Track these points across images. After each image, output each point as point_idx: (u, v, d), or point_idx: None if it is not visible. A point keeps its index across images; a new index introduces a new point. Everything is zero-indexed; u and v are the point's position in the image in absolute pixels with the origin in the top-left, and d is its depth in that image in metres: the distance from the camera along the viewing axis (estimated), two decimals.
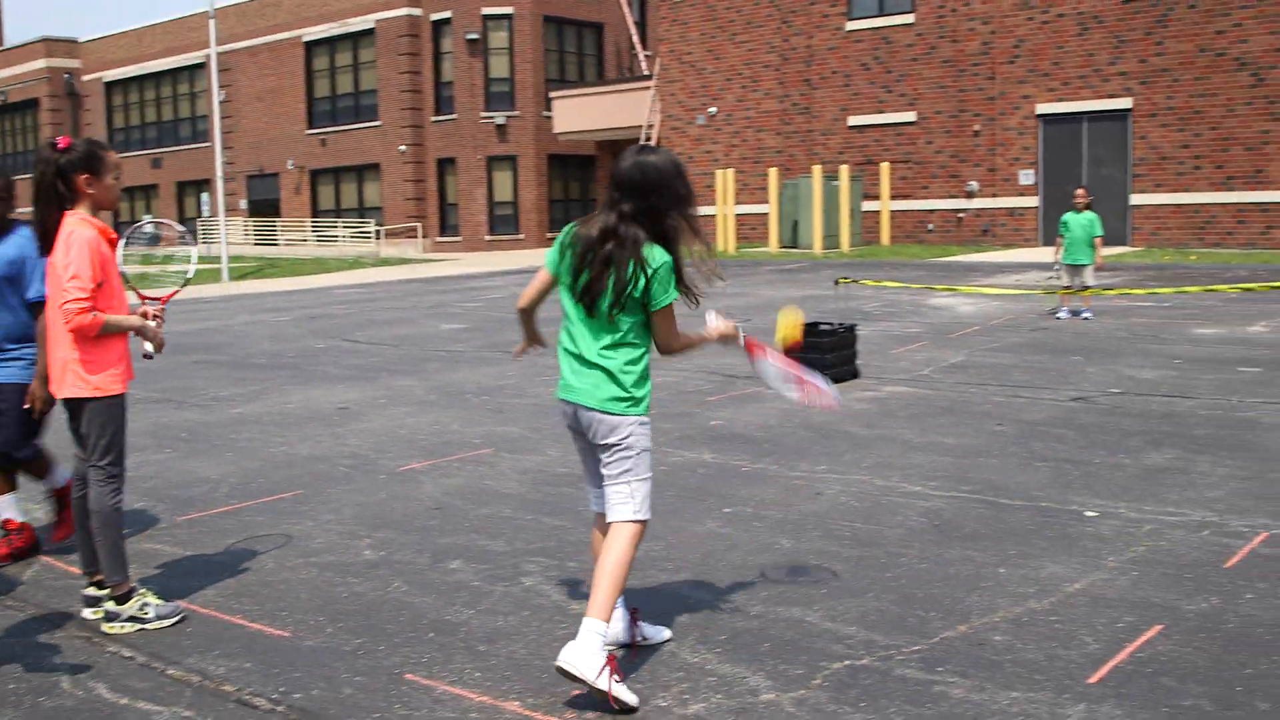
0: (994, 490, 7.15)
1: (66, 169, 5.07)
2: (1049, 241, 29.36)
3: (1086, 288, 15.46)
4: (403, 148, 44.21)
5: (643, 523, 4.49)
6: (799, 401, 5.26)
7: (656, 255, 4.39)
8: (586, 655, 4.18)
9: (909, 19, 31.55)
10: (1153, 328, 14.52)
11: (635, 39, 44.37)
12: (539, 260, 33.69)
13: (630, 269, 4.34)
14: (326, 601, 5.51)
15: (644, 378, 4.52)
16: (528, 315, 4.86)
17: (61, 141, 5.13)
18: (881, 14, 32.14)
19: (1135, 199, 28.22)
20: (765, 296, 20.00)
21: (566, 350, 4.55)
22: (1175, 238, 27.90)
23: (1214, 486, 7.08)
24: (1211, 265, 23.15)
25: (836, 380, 11.21)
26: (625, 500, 4.48)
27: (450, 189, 44.12)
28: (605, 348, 4.46)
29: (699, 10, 35.53)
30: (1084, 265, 15.48)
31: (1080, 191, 15.82)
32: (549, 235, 42.83)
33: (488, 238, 42.83)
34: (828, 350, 11.22)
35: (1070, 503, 6.81)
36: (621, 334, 4.45)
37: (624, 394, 4.46)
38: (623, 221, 4.40)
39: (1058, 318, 15.61)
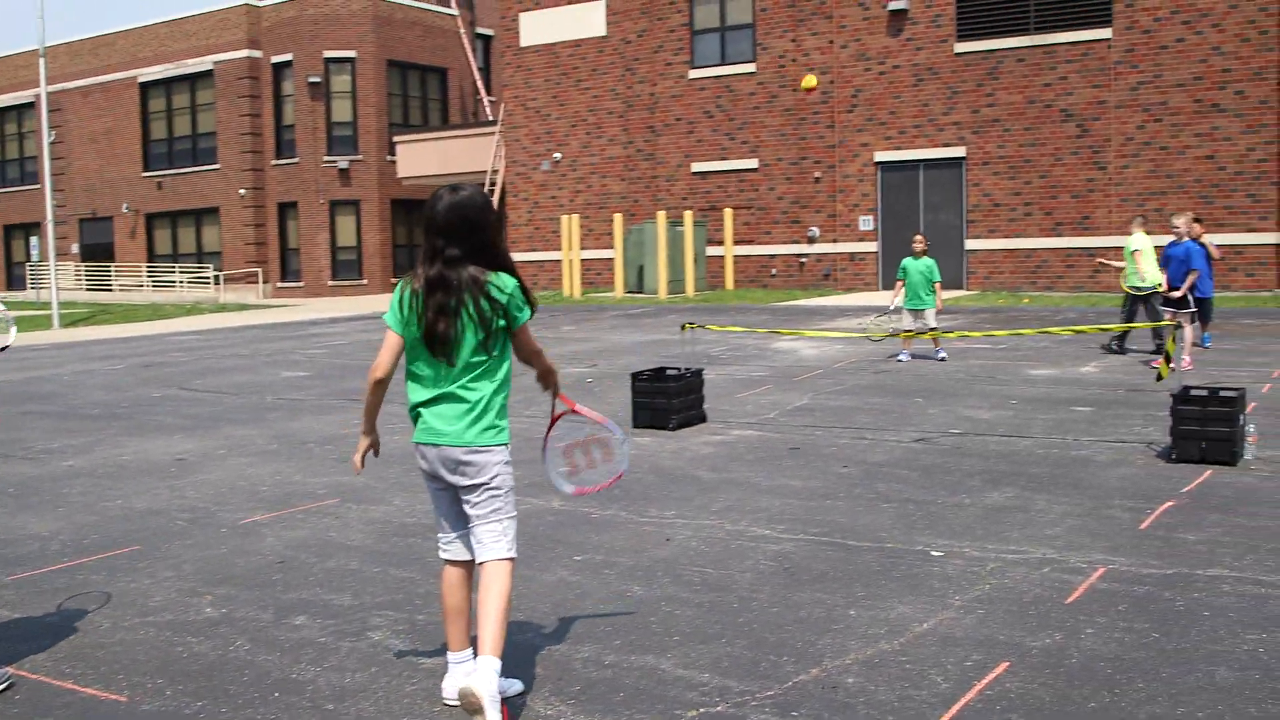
0: (841, 532, 7.22)
1: None
2: (889, 285, 30.05)
3: (932, 329, 15.77)
4: (243, 191, 43.42)
5: (514, 560, 4.56)
6: (572, 493, 5.27)
7: (505, 280, 4.49)
8: (489, 686, 4.24)
9: (750, 68, 32.09)
10: (989, 369, 14.90)
11: (479, 84, 44.37)
12: (383, 305, 33.16)
13: (484, 307, 4.41)
14: (165, 662, 5.30)
15: (505, 408, 4.58)
16: (383, 388, 4.63)
17: None
18: (724, 63, 32.64)
19: (970, 244, 29.04)
20: (611, 341, 20.03)
21: (422, 399, 4.54)
22: (1009, 281, 28.76)
23: (1052, 524, 7.25)
24: (1043, 308, 23.90)
25: (683, 425, 11.25)
26: (499, 538, 4.53)
27: (292, 234, 43.43)
28: (470, 380, 4.49)
29: (543, 57, 35.68)
30: (925, 310, 15.89)
31: (918, 238, 16.21)
32: (393, 280, 42.40)
33: (330, 283, 42.24)
34: (675, 395, 11.25)
35: (916, 543, 6.91)
36: (484, 364, 4.50)
37: (491, 424, 4.51)
38: (455, 267, 4.43)
39: (899, 360, 15.84)
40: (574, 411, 5.00)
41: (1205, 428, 8.86)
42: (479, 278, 4.42)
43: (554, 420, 5.09)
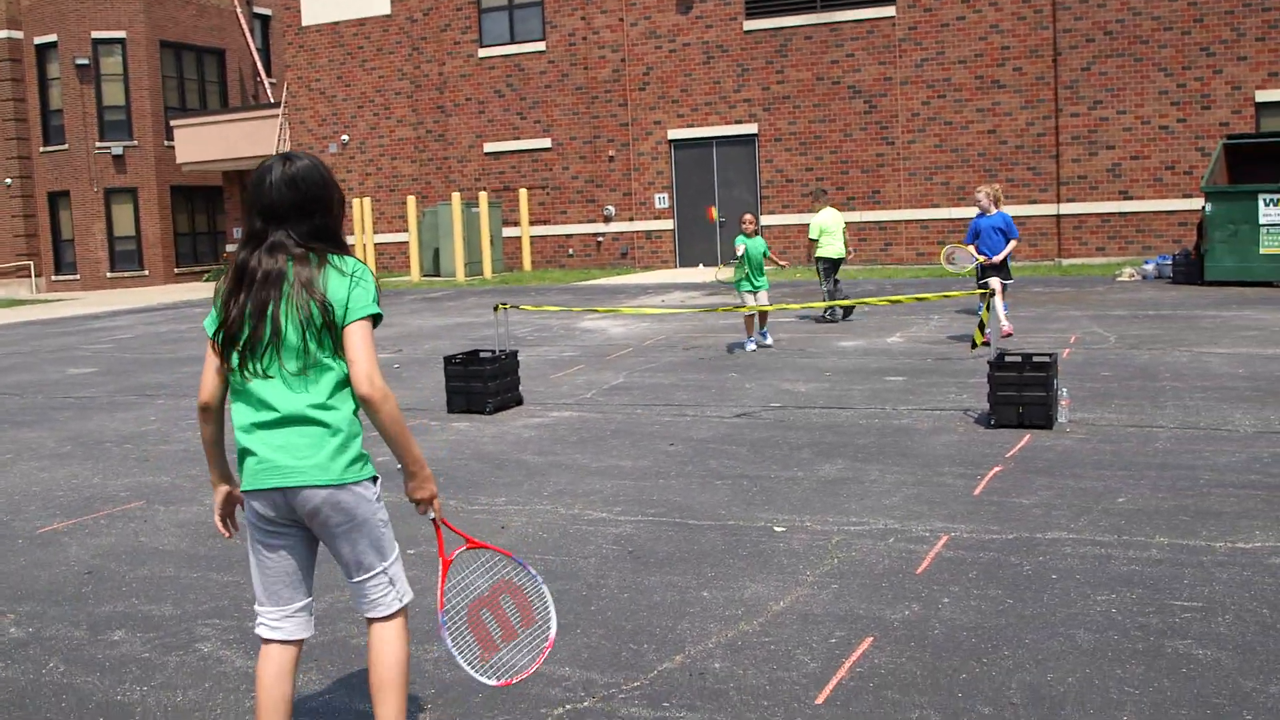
0: (680, 511, 7.08)
1: None
2: (686, 263, 30.16)
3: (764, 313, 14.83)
4: (9, 180, 41.18)
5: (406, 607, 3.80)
6: (498, 685, 4.02)
7: (349, 262, 3.64)
8: None
9: (540, 46, 31.79)
10: (798, 342, 15.00)
11: (259, 65, 42.98)
12: (166, 296, 31.82)
13: (321, 296, 3.52)
14: None
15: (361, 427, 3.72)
16: (212, 414, 3.71)
17: None
18: (514, 41, 32.25)
19: (765, 220, 29.35)
20: (413, 326, 19.58)
21: (254, 424, 3.57)
22: (803, 255, 29.18)
23: (888, 494, 7.25)
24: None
25: (500, 408, 11.00)
26: (386, 590, 3.70)
27: (65, 224, 41.37)
28: (319, 397, 3.56)
29: (326, 37, 34.72)
30: (761, 290, 14.69)
31: (748, 217, 15.10)
32: (176, 271, 40.83)
33: (109, 275, 40.40)
34: (490, 378, 10.98)
35: (756, 519, 6.81)
36: (332, 375, 3.58)
37: (356, 453, 3.59)
38: (279, 254, 3.58)
39: (747, 349, 14.44)
40: (468, 545, 3.98)
41: (1022, 393, 9.02)
42: (313, 266, 3.56)
43: (445, 568, 3.91)
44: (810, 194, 18.42)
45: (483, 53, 32.55)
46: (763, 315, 14.92)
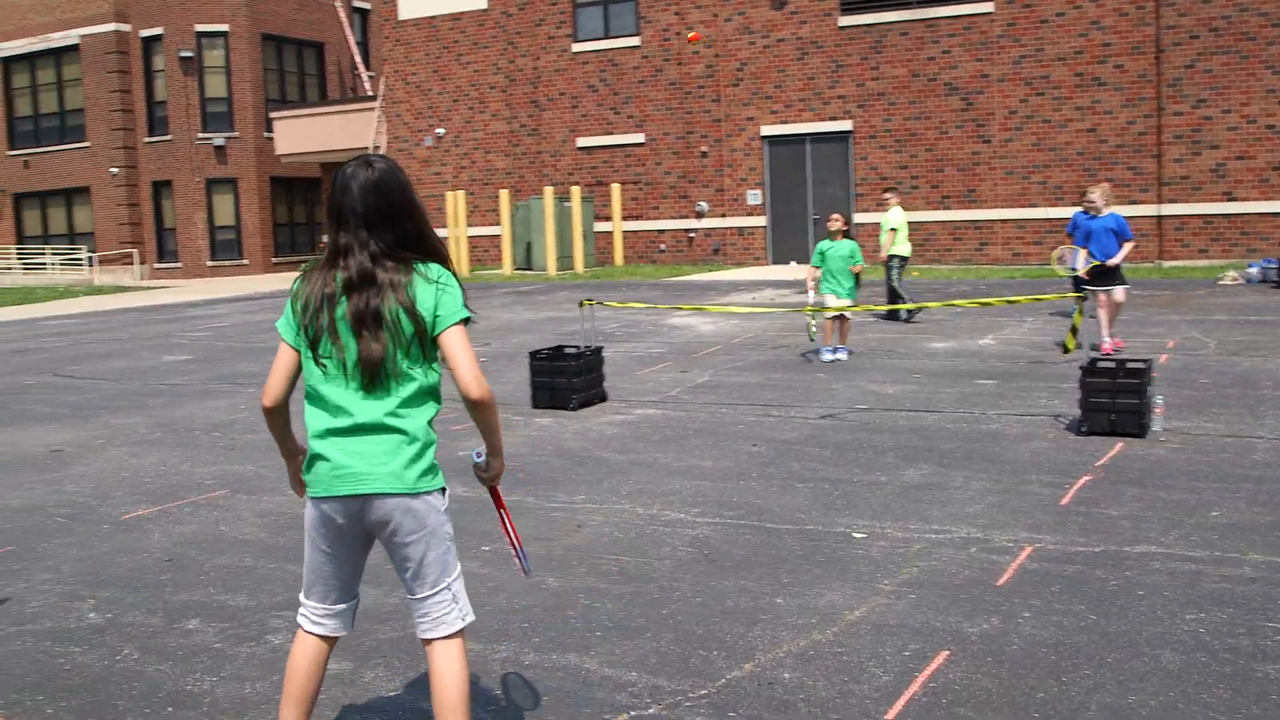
0: (759, 514, 6.99)
1: None
2: (779, 260, 29.97)
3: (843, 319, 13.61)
4: (114, 170, 42.03)
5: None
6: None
7: (434, 268, 3.57)
8: None
9: (635, 41, 31.76)
10: (888, 343, 14.80)
11: (357, 59, 43.41)
12: (265, 286, 32.35)
13: (410, 306, 3.48)
14: (46, 676, 4.88)
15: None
16: (280, 415, 3.71)
17: None
18: (608, 36, 32.26)
19: (858, 218, 29.04)
20: (503, 319, 19.65)
21: (329, 429, 3.54)
22: (882, 250, 28.83)
23: (972, 501, 7.09)
24: (933, 281, 23.98)
25: (584, 405, 10.96)
26: (449, 608, 3.62)
27: (168, 213, 42.15)
28: (398, 406, 3.52)
29: (423, 31, 34.97)
30: (845, 299, 13.41)
31: (835, 217, 13.68)
32: (274, 260, 41.42)
33: (209, 263, 41.10)
34: (574, 374, 10.95)
35: (836, 524, 6.69)
36: (415, 385, 3.54)
37: (430, 462, 3.55)
38: (372, 263, 3.52)
39: (823, 359, 13.47)
40: (500, 512, 4.00)
41: (1115, 400, 8.79)
42: (396, 281, 3.50)
43: (508, 514, 4.02)
44: (891, 190, 18.20)
45: (577, 47, 32.59)
46: (844, 327, 13.61)
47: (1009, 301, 10.48)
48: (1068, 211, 21.65)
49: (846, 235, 13.63)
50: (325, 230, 3.69)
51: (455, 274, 3.63)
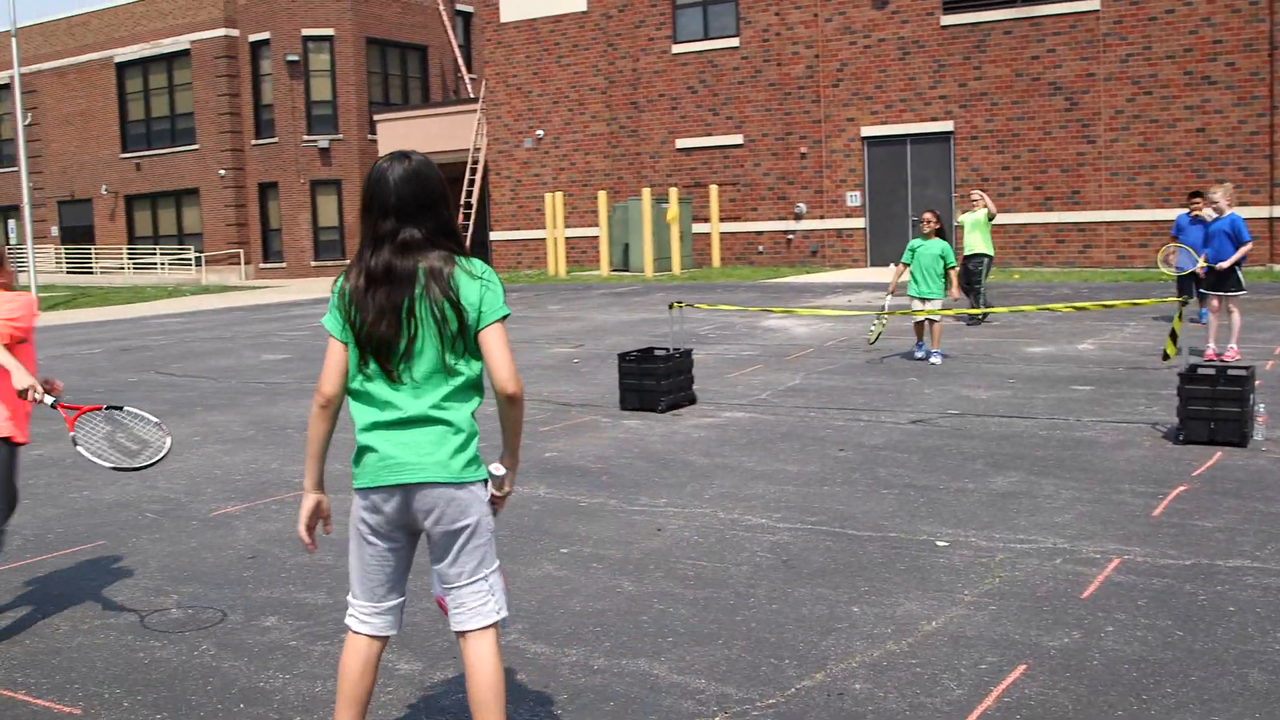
0: (841, 520, 6.89)
1: None
2: (878, 262, 29.67)
3: (932, 323, 13.47)
4: (222, 172, 42.86)
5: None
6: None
7: (477, 264, 3.60)
8: None
9: (734, 42, 31.66)
10: (984, 347, 14.57)
11: (460, 61, 43.83)
12: None
13: (454, 298, 3.50)
14: (125, 670, 4.96)
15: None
16: (330, 414, 3.66)
17: None
18: (707, 37, 32.19)
19: (958, 219, 28.68)
20: (597, 321, 19.68)
21: (376, 423, 3.56)
22: (998, 257, 28.40)
23: (1061, 510, 6.94)
24: (1035, 284, 23.59)
25: (673, 407, 10.91)
26: (485, 599, 3.63)
27: (273, 214, 42.89)
28: (444, 399, 3.55)
29: (524, 33, 35.18)
30: (933, 300, 13.42)
31: (928, 215, 13.74)
32: None
33: (313, 263, 41.74)
34: (663, 376, 10.91)
35: (919, 532, 6.58)
36: (461, 379, 3.57)
37: (473, 453, 3.58)
38: (410, 253, 3.54)
39: (915, 358, 13.61)
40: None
41: (1214, 408, 8.55)
42: (439, 270, 3.52)
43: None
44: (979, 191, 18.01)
45: (676, 49, 32.57)
46: (934, 330, 13.41)
47: (1105, 306, 10.24)
48: (1175, 213, 21.15)
49: (940, 234, 13.62)
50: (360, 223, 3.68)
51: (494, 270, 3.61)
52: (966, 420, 9.93)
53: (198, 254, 43.65)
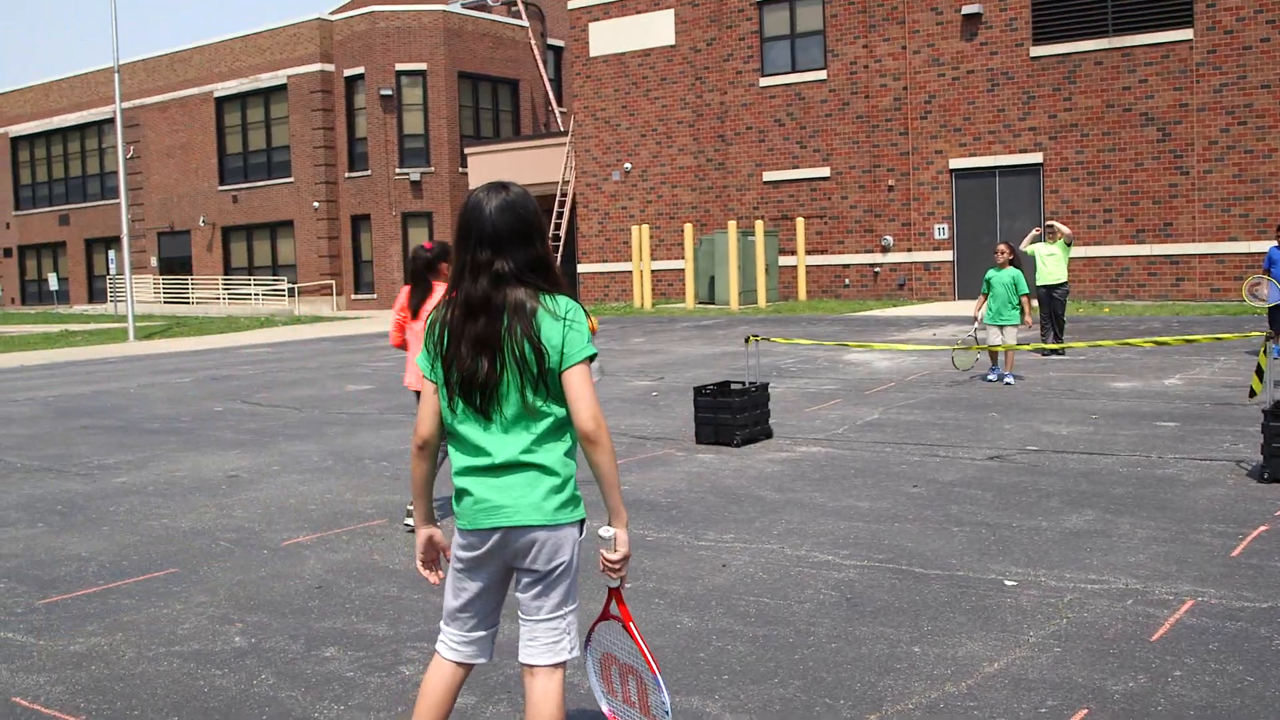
0: (908, 558, 6.80)
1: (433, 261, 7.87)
2: (965, 295, 29.37)
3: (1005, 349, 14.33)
4: (316, 204, 43.57)
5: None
6: (606, 712, 3.95)
7: (562, 302, 3.52)
8: None
9: (821, 75, 31.61)
10: (1068, 381, 14.35)
11: (550, 95, 44.22)
12: None
13: (535, 338, 3.45)
14: (185, 698, 5.01)
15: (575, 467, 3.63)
16: (429, 455, 3.70)
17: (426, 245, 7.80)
18: (795, 70, 32.18)
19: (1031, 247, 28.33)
20: (679, 353, 19.67)
21: (470, 468, 3.55)
22: (1089, 290, 28.03)
23: (1136, 550, 6.78)
24: (1124, 317, 23.21)
25: (748, 441, 10.86)
26: (560, 636, 3.61)
27: (365, 246, 43.51)
28: (533, 442, 3.50)
29: (613, 67, 35.41)
30: (1010, 325, 14.37)
31: (1001, 247, 14.74)
32: None
33: None
34: (739, 410, 10.86)
35: (988, 571, 6.47)
36: (549, 421, 3.52)
37: (569, 494, 3.55)
38: (501, 285, 3.49)
39: (988, 380, 14.53)
40: (625, 626, 3.80)
41: None
42: (522, 303, 3.47)
43: (606, 609, 3.87)
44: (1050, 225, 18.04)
45: (764, 82, 32.59)
46: (1008, 356, 14.37)
47: (1186, 340, 10.04)
48: (1266, 245, 20.70)
49: (1012, 264, 14.47)
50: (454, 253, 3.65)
51: (583, 307, 3.58)
52: (1045, 457, 9.76)
53: (291, 285, 44.36)
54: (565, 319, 3.48)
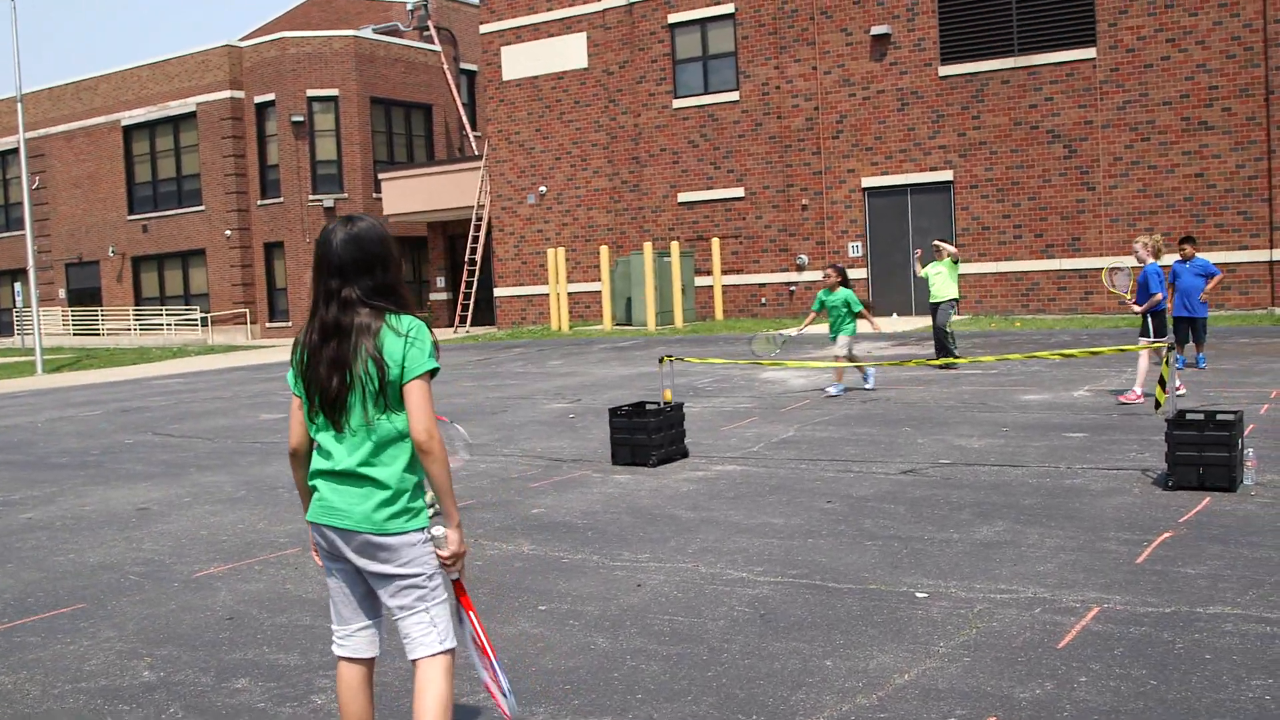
0: (822, 573, 6.85)
1: None
2: (881, 312, 29.67)
3: (852, 358, 15.58)
4: (229, 232, 43.10)
5: (451, 651, 3.93)
6: (483, 683, 4.17)
7: (405, 321, 3.82)
8: None
9: (734, 96, 31.85)
10: (980, 395, 14.55)
11: (464, 119, 44.14)
12: None
13: (376, 356, 3.75)
14: None
15: (422, 483, 3.92)
16: (301, 460, 4.02)
17: None
18: (707, 92, 32.40)
19: (961, 268, 28.72)
20: (597, 375, 19.69)
21: (319, 470, 3.88)
22: (1000, 305, 28.46)
23: (1044, 560, 6.89)
24: (1035, 330, 23.57)
25: (664, 461, 10.89)
26: (428, 629, 3.89)
27: (279, 273, 43.10)
28: (372, 454, 3.80)
29: (526, 90, 35.43)
30: (844, 335, 15.64)
31: (829, 272, 15.80)
32: None
33: None
34: (654, 430, 10.89)
35: (900, 584, 6.54)
36: (390, 432, 3.81)
37: (402, 506, 3.82)
38: (349, 310, 3.81)
39: (828, 393, 15.30)
40: (465, 614, 4.07)
41: (1202, 453, 8.51)
42: (368, 326, 3.78)
43: (477, 616, 4.11)
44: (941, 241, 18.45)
45: (677, 103, 32.78)
46: (838, 367, 15.36)
47: (1092, 353, 10.22)
48: (1174, 259, 21.11)
49: (843, 285, 15.65)
50: (312, 284, 3.95)
51: (428, 325, 3.90)
52: (957, 470, 9.89)
53: (204, 314, 43.83)
54: (407, 336, 3.80)
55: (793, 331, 16.72)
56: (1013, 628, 5.68)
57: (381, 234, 3.92)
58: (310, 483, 3.93)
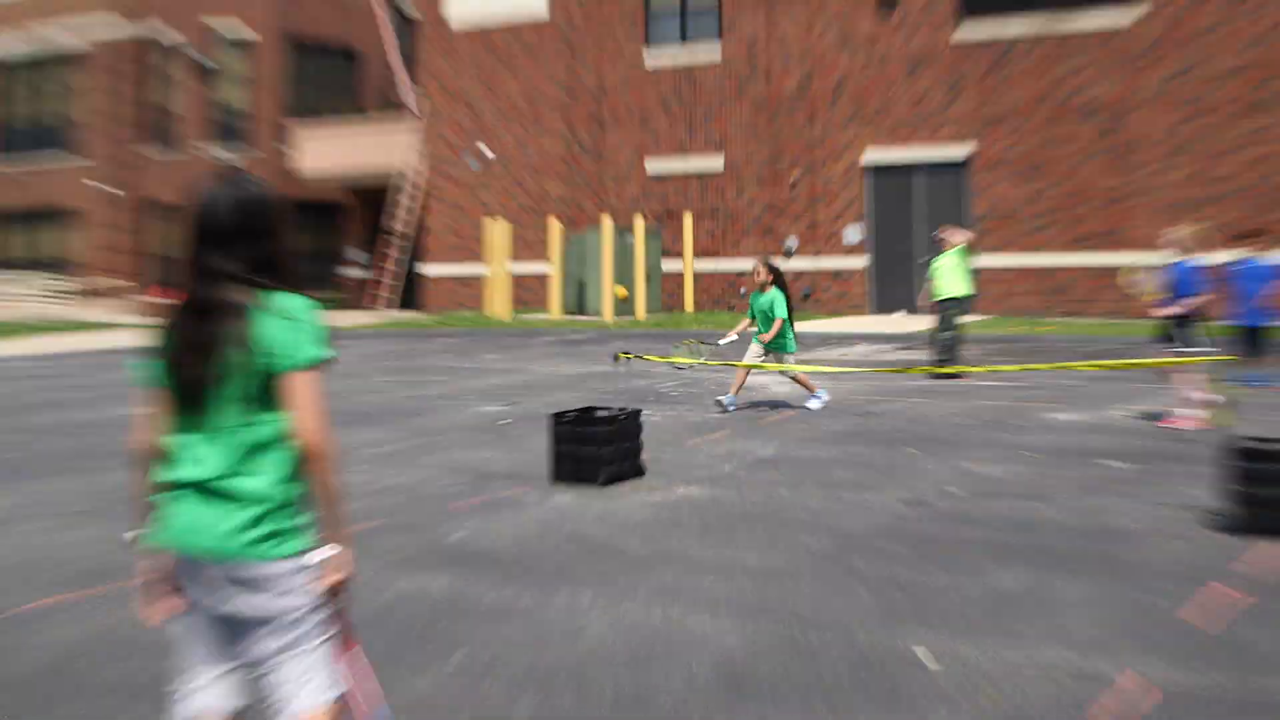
0: (802, 625, 6.55)
1: None
2: (883, 309, 29.56)
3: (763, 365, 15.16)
4: (111, 189, 42.60)
5: (340, 699, 3.71)
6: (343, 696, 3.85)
7: (289, 300, 3.64)
8: None
9: (715, 53, 31.64)
10: (1000, 412, 14.36)
11: (396, 67, 43.76)
12: None
13: (250, 341, 3.56)
14: None
15: (304, 498, 3.68)
16: (151, 468, 3.76)
17: None
18: (684, 43, 32.17)
19: (977, 261, 28.62)
20: (540, 373, 19.42)
21: (172, 480, 3.62)
22: (1025, 305, 28.35)
23: (1073, 614, 6.64)
24: (1067, 337, 23.44)
25: (614, 479, 10.58)
26: (309, 675, 3.63)
27: (172, 240, 42.66)
28: (239, 463, 3.58)
29: (475, 42, 35.10)
30: (779, 353, 15.08)
31: (759, 269, 15.24)
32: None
33: None
34: (604, 441, 10.56)
35: (897, 640, 6.26)
36: (261, 439, 3.60)
37: (279, 525, 3.59)
38: (220, 285, 3.61)
39: (721, 405, 14.97)
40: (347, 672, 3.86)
41: (1260, 489, 8.27)
42: (246, 303, 3.60)
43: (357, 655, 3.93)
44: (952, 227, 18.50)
45: (649, 60, 32.58)
46: (739, 378, 15.10)
47: (1133, 364, 9.98)
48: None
49: (775, 285, 14.98)
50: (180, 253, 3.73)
51: (317, 307, 3.71)
52: (971, 502, 9.65)
53: (78, 284, 43.31)
54: (291, 319, 3.62)
55: (731, 336, 15.84)
56: (1032, 698, 5.43)
57: (267, 195, 3.75)
58: (158, 496, 3.66)
